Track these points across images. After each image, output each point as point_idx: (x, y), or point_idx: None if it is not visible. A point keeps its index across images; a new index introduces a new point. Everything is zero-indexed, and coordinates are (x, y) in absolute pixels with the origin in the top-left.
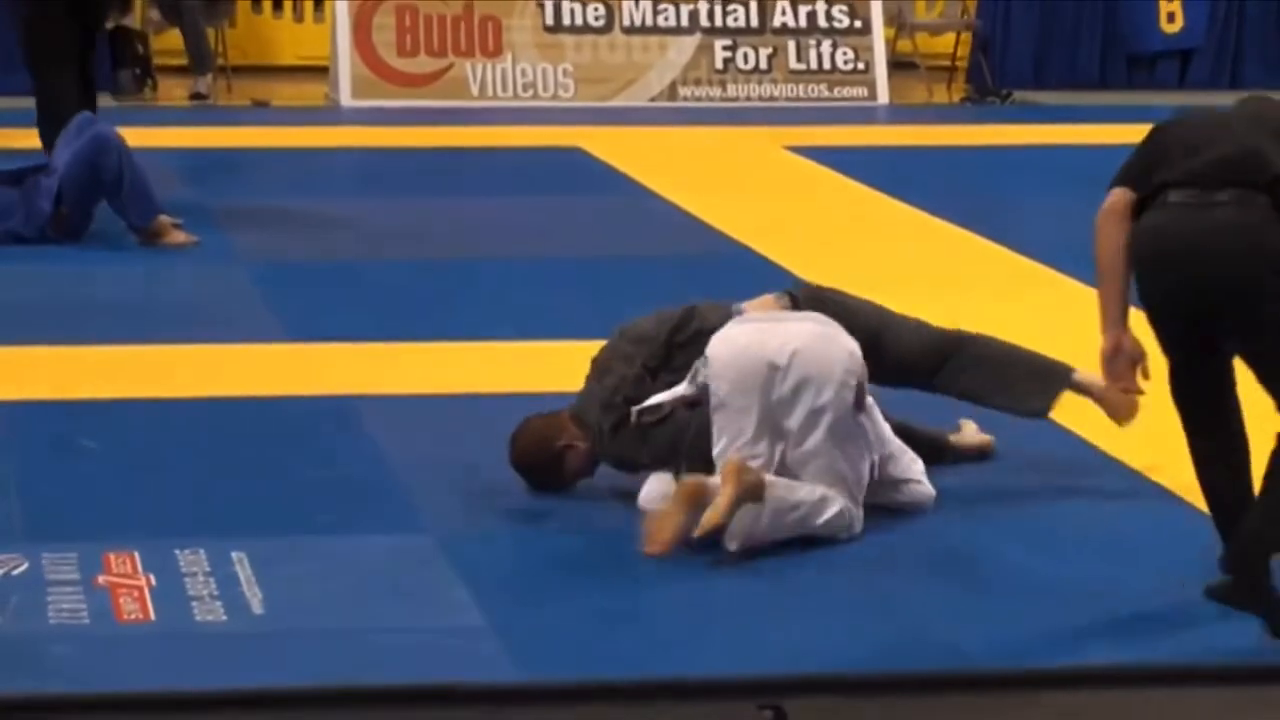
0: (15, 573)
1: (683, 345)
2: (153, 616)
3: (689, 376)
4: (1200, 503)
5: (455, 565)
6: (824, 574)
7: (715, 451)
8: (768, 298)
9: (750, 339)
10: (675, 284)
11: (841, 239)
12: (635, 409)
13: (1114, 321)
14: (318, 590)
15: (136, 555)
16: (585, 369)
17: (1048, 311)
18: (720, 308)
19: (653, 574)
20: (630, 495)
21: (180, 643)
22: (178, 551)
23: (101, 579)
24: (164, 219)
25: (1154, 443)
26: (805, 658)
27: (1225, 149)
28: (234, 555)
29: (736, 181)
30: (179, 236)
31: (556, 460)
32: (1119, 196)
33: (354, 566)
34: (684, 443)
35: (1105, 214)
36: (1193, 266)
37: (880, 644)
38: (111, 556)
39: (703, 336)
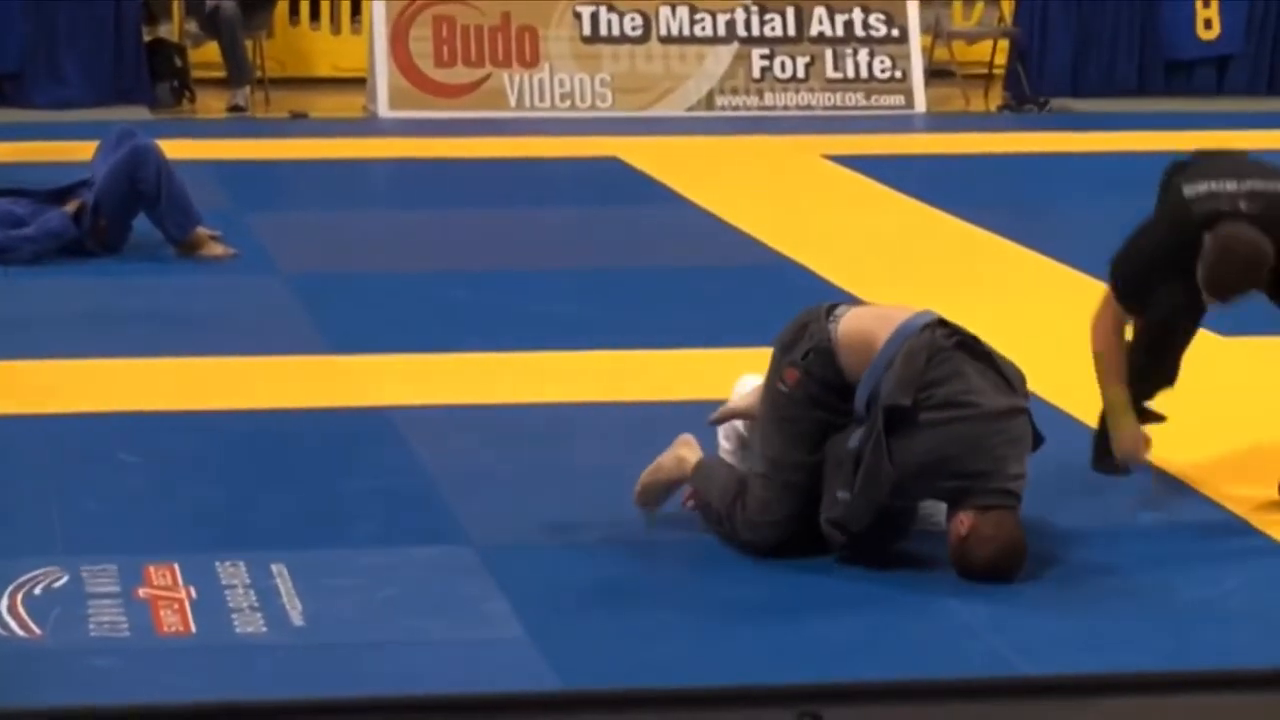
0: (55, 585)
1: None
2: (193, 629)
3: None
4: (1244, 509)
5: (495, 576)
6: (862, 580)
7: None
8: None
9: None
10: (714, 294)
11: (879, 247)
12: None
13: None
14: (358, 602)
15: (177, 567)
16: (625, 379)
17: (1085, 318)
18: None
19: (690, 582)
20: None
21: (220, 655)
22: (218, 564)
23: (142, 591)
24: (202, 231)
25: (1184, 450)
26: (845, 664)
27: None
28: (274, 567)
29: (774, 191)
30: (217, 248)
31: None
32: None
33: (394, 578)
34: None
35: None
36: None
37: (920, 650)
38: (152, 569)
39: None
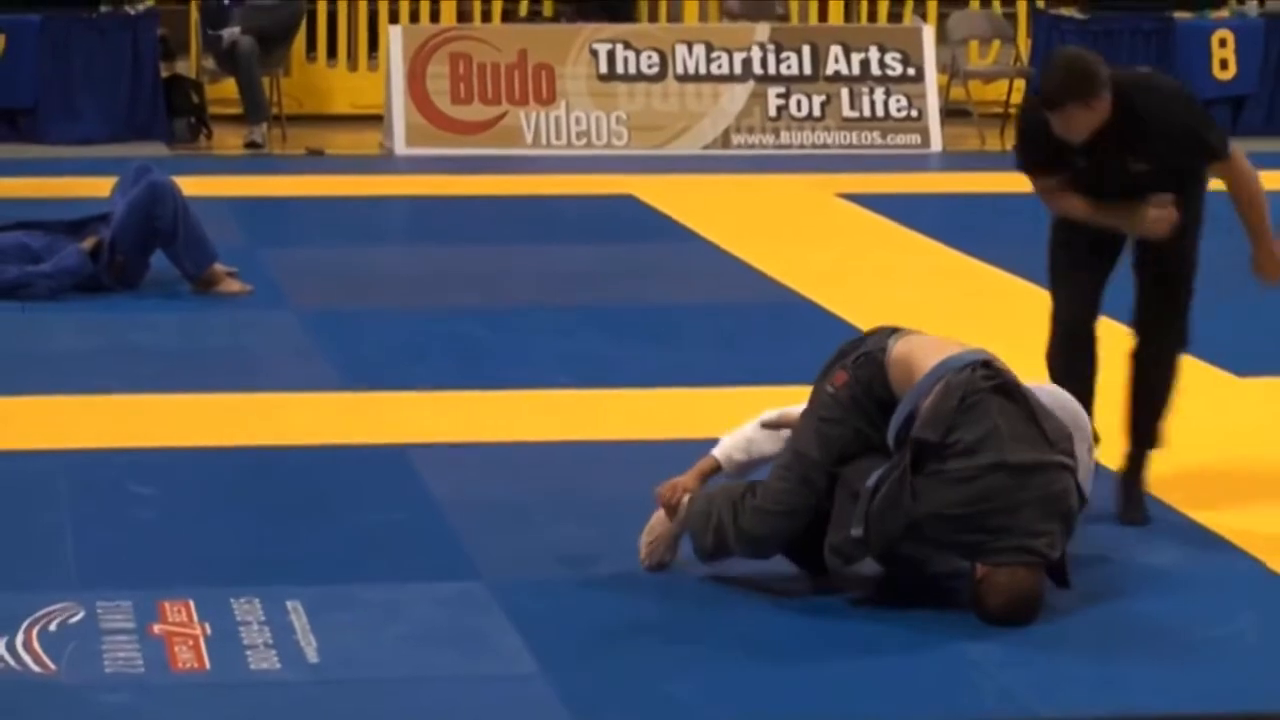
0: (70, 621)
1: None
2: (207, 665)
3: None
4: (1257, 548)
5: (509, 613)
6: (876, 620)
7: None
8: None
9: None
10: (729, 332)
11: (894, 286)
12: None
13: None
14: (372, 638)
15: (191, 604)
16: (641, 417)
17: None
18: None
19: (704, 620)
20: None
21: (235, 691)
22: (233, 600)
23: (156, 628)
24: (218, 267)
25: (1198, 490)
26: (858, 703)
27: None
28: (289, 604)
29: (790, 229)
30: (233, 285)
31: None
32: None
33: (408, 614)
34: None
35: None
36: None
37: (933, 689)
38: (166, 605)
39: None
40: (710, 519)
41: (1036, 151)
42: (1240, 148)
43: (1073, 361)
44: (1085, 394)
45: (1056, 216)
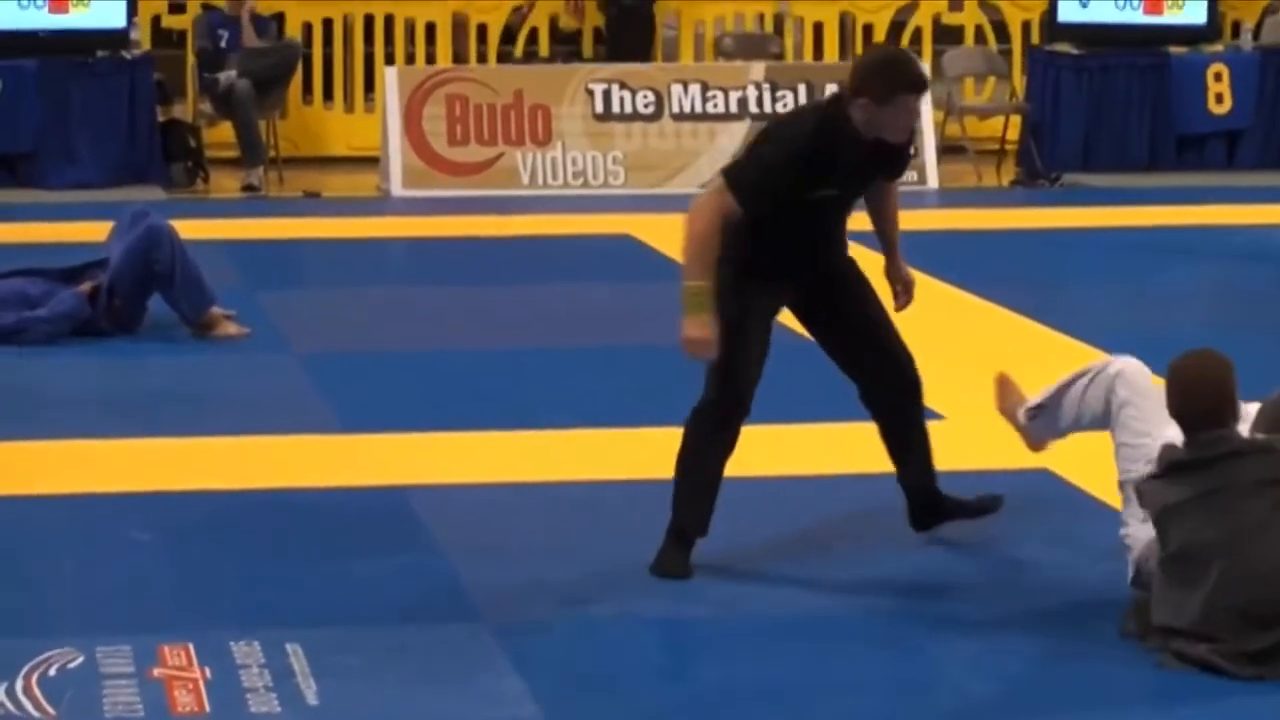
0: (70, 666)
1: None
2: (207, 709)
3: None
4: None
5: (510, 655)
6: (875, 661)
7: None
8: None
9: None
10: None
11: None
12: None
13: None
14: (372, 681)
15: (191, 647)
16: (640, 457)
17: None
18: None
19: (705, 662)
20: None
21: None
22: (232, 643)
23: (156, 672)
24: (216, 311)
25: None
26: None
27: None
28: (289, 647)
29: None
30: (231, 328)
31: None
32: None
33: (409, 657)
34: None
35: None
36: None
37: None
38: (166, 649)
39: None
40: None
41: (793, 176)
42: None
43: (726, 438)
44: (716, 479)
45: (749, 239)
